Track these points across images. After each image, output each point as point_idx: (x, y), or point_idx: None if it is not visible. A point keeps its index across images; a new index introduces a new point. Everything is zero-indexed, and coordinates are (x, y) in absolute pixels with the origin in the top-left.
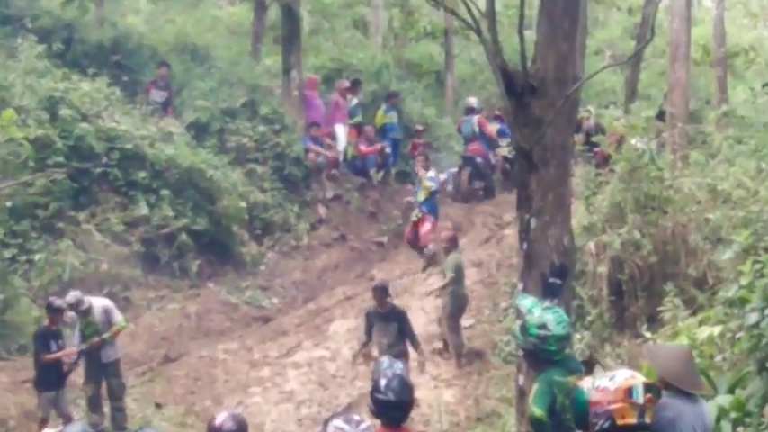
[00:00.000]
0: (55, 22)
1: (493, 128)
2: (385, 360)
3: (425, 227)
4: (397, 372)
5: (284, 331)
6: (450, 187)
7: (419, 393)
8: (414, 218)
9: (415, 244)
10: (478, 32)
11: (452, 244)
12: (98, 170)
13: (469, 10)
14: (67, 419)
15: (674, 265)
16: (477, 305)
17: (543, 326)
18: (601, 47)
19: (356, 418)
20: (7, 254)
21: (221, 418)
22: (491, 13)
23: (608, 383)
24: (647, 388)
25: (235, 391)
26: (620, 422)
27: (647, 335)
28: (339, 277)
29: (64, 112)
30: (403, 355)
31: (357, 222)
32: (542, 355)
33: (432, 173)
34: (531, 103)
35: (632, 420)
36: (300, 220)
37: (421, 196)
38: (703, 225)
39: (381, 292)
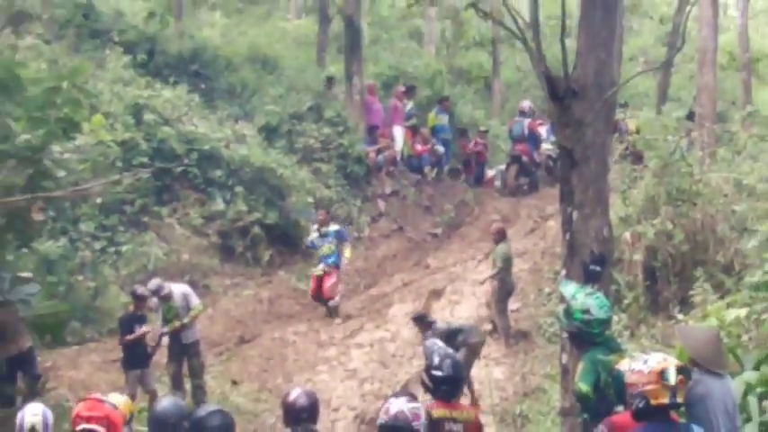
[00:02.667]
0: (139, 35)
1: (542, 130)
2: (436, 341)
3: (331, 280)
4: (449, 351)
5: (348, 315)
6: (498, 183)
7: (471, 371)
8: (319, 272)
9: (319, 297)
10: (524, 41)
11: (501, 235)
12: (179, 169)
13: (515, 20)
14: (153, 395)
15: (703, 252)
16: (523, 290)
17: (586, 311)
18: (635, 54)
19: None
20: (98, 246)
21: (295, 394)
22: (535, 24)
23: (642, 366)
24: (679, 370)
25: (304, 369)
26: (653, 402)
27: (680, 317)
28: (397, 265)
29: (148, 116)
30: None
31: (413, 215)
32: (586, 336)
33: (336, 226)
34: (573, 105)
35: (665, 401)
36: (362, 214)
37: (326, 250)
38: (730, 216)
39: (419, 321)
